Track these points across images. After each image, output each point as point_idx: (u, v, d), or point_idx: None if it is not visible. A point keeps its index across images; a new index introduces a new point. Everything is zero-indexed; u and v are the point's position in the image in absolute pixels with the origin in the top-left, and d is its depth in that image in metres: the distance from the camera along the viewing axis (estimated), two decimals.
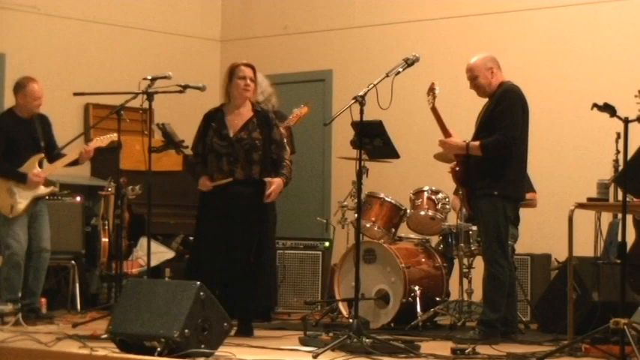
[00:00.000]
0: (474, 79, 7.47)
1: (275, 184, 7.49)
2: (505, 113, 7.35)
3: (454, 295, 8.66)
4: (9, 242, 8.38)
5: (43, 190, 8.52)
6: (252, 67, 7.61)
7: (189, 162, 7.88)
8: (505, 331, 7.39)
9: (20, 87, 8.51)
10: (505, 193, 7.40)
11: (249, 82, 7.57)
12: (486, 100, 7.56)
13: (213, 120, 7.60)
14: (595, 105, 6.22)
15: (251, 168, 7.51)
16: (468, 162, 7.49)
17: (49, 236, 8.58)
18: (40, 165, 8.52)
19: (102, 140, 8.59)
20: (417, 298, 8.24)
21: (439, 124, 7.54)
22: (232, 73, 7.59)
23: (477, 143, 7.33)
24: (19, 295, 8.44)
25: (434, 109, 7.57)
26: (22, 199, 8.41)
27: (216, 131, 7.55)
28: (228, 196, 7.49)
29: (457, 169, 7.55)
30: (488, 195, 7.35)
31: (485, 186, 7.36)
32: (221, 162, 7.52)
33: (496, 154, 7.32)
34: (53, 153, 8.60)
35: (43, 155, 8.52)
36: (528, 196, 8.58)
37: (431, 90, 7.62)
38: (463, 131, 7.62)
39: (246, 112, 7.61)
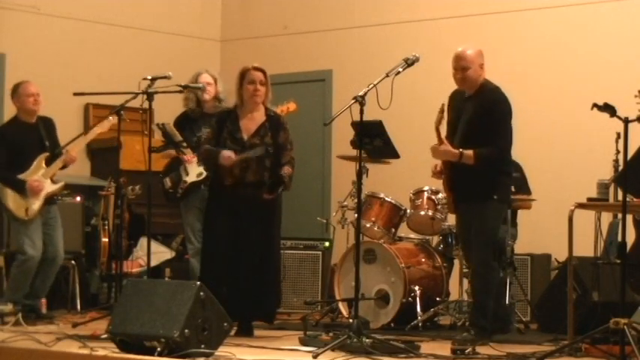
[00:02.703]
0: (465, 69, 7.26)
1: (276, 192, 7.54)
2: (500, 124, 7.23)
3: (454, 295, 8.67)
4: (25, 248, 8.39)
5: (53, 187, 8.53)
6: (263, 71, 7.59)
7: (202, 149, 7.79)
8: (500, 327, 7.37)
9: (14, 90, 8.59)
10: (504, 197, 7.39)
11: (258, 86, 7.56)
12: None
13: (227, 121, 7.61)
14: (595, 105, 6.22)
15: (262, 173, 7.51)
16: (453, 166, 7.37)
17: (62, 242, 8.60)
18: (47, 163, 8.52)
19: (101, 126, 8.57)
20: (417, 298, 8.24)
21: (438, 137, 7.36)
22: (243, 77, 7.59)
23: (470, 153, 7.14)
24: (23, 297, 8.47)
25: (438, 129, 7.36)
26: (35, 200, 8.43)
27: (230, 134, 7.55)
28: (238, 197, 7.50)
29: (444, 175, 7.45)
30: (489, 199, 7.27)
31: (483, 190, 7.27)
32: (234, 166, 7.51)
33: (487, 164, 7.22)
34: (54, 154, 8.60)
35: (48, 154, 8.53)
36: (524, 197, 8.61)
37: (442, 112, 7.28)
38: None
39: (259, 117, 7.61)
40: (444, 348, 6.73)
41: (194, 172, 8.47)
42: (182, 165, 8.57)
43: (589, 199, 7.24)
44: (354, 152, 7.49)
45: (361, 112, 6.81)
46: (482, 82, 7.34)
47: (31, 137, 8.52)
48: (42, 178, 8.47)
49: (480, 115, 7.22)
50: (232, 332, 6.69)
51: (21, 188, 8.40)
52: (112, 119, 8.26)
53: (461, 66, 7.28)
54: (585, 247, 8.06)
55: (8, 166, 8.45)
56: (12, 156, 8.45)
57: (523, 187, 8.76)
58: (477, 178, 7.21)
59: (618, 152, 8.14)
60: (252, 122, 7.60)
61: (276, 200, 7.62)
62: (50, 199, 8.52)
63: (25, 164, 8.48)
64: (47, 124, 8.65)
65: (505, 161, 7.36)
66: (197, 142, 8.38)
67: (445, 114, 7.29)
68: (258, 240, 7.50)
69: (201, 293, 6.06)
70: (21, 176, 8.44)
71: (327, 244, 9.72)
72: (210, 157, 7.63)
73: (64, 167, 8.66)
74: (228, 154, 7.46)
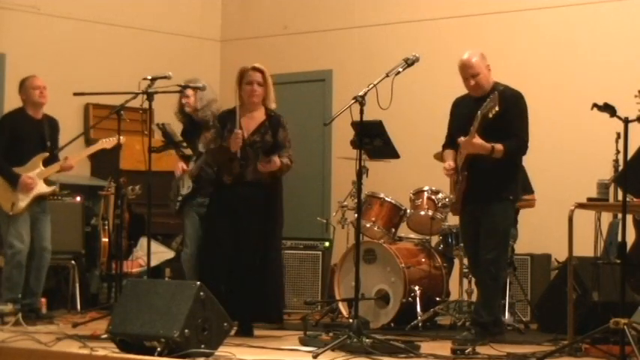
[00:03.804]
0: (475, 75, 7.28)
1: (275, 162, 7.47)
2: (520, 118, 7.28)
3: (454, 295, 8.67)
4: (12, 242, 8.39)
5: (44, 189, 8.53)
6: (262, 71, 7.60)
7: (210, 149, 7.84)
8: (499, 331, 7.38)
9: (21, 84, 8.61)
10: (517, 197, 7.41)
11: (255, 87, 7.58)
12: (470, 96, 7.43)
13: (228, 121, 7.63)
14: (595, 105, 6.22)
15: (260, 172, 7.52)
16: (473, 166, 7.33)
17: (50, 236, 8.59)
18: (45, 164, 8.52)
19: (107, 142, 8.60)
20: (417, 298, 8.24)
21: (475, 129, 7.26)
22: (241, 77, 7.62)
23: (501, 147, 7.12)
24: (20, 295, 8.45)
25: (484, 119, 7.19)
26: (24, 197, 8.43)
27: (231, 133, 7.56)
28: (237, 196, 7.52)
29: (462, 183, 7.40)
30: (503, 199, 7.26)
31: (499, 190, 7.24)
32: (233, 163, 7.54)
33: (513, 158, 7.27)
34: (52, 156, 8.61)
35: (47, 154, 8.54)
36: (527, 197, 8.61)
37: (495, 102, 7.09)
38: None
39: (259, 115, 7.64)
40: (444, 348, 6.73)
41: (186, 185, 8.42)
42: (179, 180, 8.51)
43: (589, 199, 7.24)
44: (354, 152, 7.48)
45: (361, 112, 6.80)
46: (493, 83, 7.37)
47: (34, 132, 8.53)
48: (36, 177, 8.47)
49: (499, 111, 7.15)
50: (232, 332, 6.68)
51: (14, 181, 8.40)
52: (119, 140, 8.25)
53: (470, 74, 7.29)
54: (585, 247, 8.06)
55: (5, 155, 8.45)
56: (11, 146, 8.45)
57: (526, 187, 8.77)
58: (497, 179, 7.21)
59: (618, 152, 8.14)
60: (252, 121, 7.62)
61: (277, 200, 7.62)
62: (39, 199, 8.51)
63: (21, 158, 8.47)
64: (52, 124, 8.67)
65: (523, 157, 7.40)
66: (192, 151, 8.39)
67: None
68: (258, 239, 7.50)
69: (201, 293, 6.06)
70: (16, 170, 8.44)
71: (327, 244, 9.72)
72: (219, 152, 7.68)
73: (54, 183, 8.69)
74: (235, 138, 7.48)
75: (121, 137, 8.22)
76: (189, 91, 8.35)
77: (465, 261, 8.37)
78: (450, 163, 7.40)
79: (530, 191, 8.81)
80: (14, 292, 8.40)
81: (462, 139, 7.25)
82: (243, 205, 7.51)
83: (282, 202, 7.69)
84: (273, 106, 7.71)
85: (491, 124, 7.17)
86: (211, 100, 8.38)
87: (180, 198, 8.41)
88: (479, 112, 7.09)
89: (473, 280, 8.29)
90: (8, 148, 8.46)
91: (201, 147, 8.16)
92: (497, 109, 7.04)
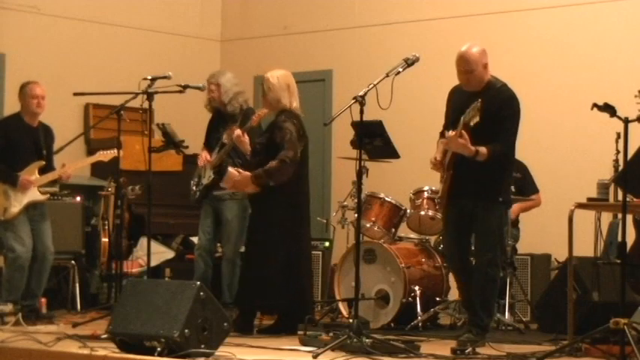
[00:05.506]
0: (469, 72, 7.09)
1: (239, 176, 7.61)
2: (510, 121, 7.13)
3: (454, 295, 8.66)
4: (13, 245, 8.35)
5: (38, 196, 8.49)
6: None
7: None
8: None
9: (21, 89, 8.56)
10: (507, 199, 7.35)
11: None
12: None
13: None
14: (595, 105, 6.22)
15: (249, 171, 7.65)
16: (460, 162, 7.29)
17: (51, 237, 8.58)
18: (40, 172, 8.51)
19: (104, 155, 8.60)
20: (417, 298, 8.25)
21: (460, 130, 7.23)
22: None
23: (485, 150, 6.95)
24: (20, 296, 8.45)
25: (467, 125, 7.27)
26: (17, 203, 8.39)
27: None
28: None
29: (446, 182, 7.37)
30: (492, 200, 7.21)
31: (488, 190, 7.21)
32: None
33: (498, 161, 7.20)
34: (48, 164, 8.60)
35: (44, 162, 8.51)
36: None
37: (478, 110, 6.95)
38: None
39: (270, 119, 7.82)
40: (444, 348, 6.74)
41: (207, 175, 8.44)
42: (202, 169, 8.50)
43: (589, 199, 7.24)
44: (354, 152, 7.48)
45: (361, 112, 6.80)
46: (489, 79, 7.21)
47: (29, 140, 8.50)
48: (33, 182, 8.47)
49: (489, 113, 7.02)
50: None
51: (14, 181, 8.38)
52: (118, 153, 8.30)
53: (464, 69, 7.11)
54: (585, 247, 8.07)
55: (2, 159, 8.43)
56: (6, 151, 8.44)
57: (528, 187, 8.77)
58: (484, 178, 7.14)
59: (618, 152, 8.14)
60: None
61: (247, 202, 7.87)
62: (33, 205, 8.50)
63: (16, 164, 8.44)
64: (47, 132, 8.63)
65: (511, 159, 7.34)
66: (216, 141, 8.39)
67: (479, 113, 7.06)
68: (248, 236, 7.82)
69: (201, 293, 6.06)
70: None
71: (327, 244, 9.71)
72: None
73: (55, 181, 8.67)
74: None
75: (120, 151, 8.24)
76: (212, 86, 8.37)
77: None
78: (436, 156, 7.29)
79: (535, 190, 8.82)
80: (14, 295, 8.38)
81: (449, 133, 7.19)
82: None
83: (273, 201, 7.62)
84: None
85: (480, 124, 7.06)
86: (237, 93, 8.37)
87: (200, 187, 8.42)
88: (462, 118, 7.02)
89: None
90: (3, 153, 8.44)
91: (225, 138, 8.15)
92: (477, 119, 6.88)
